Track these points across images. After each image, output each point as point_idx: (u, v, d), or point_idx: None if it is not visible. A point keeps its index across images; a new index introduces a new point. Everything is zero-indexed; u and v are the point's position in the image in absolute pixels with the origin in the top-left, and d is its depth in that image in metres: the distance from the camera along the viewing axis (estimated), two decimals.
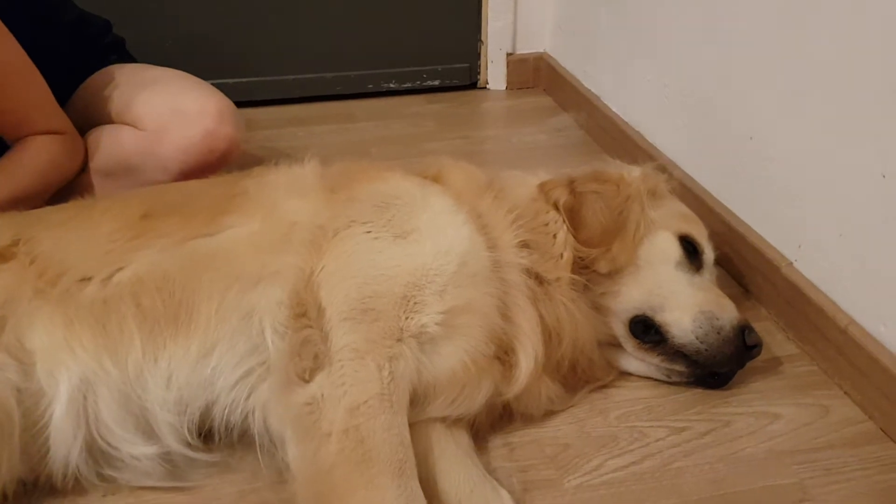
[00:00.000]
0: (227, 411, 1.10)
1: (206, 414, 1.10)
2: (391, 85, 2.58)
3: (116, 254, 1.15)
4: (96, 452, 1.08)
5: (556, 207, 1.30)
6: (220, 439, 1.11)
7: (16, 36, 1.43)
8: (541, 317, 1.19)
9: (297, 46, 2.46)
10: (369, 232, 1.16)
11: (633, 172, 1.36)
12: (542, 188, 1.33)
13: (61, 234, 1.19)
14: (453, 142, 2.27)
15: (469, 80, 2.63)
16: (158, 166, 1.58)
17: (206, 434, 1.12)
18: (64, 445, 1.06)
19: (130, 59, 1.83)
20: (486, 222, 1.22)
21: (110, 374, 1.08)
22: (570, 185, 1.32)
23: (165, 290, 1.12)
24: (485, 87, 2.63)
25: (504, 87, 2.62)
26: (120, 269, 1.14)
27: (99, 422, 1.07)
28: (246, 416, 1.10)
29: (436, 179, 1.31)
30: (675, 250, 1.29)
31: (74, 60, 1.71)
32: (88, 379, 1.07)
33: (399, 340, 1.07)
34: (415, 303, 1.09)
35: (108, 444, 1.07)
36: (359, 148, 2.21)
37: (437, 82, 2.60)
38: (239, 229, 1.19)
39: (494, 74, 2.61)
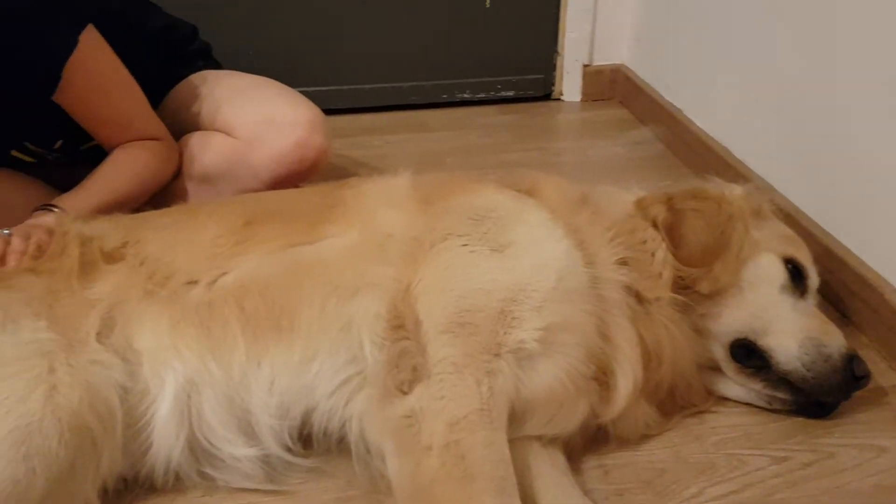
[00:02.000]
0: (325, 418, 1.10)
1: (305, 419, 1.11)
2: (465, 95, 2.58)
3: (221, 258, 1.17)
4: (198, 451, 1.10)
5: (654, 224, 1.27)
6: (317, 445, 1.12)
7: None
8: (640, 337, 1.17)
9: (373, 56, 2.48)
10: (466, 245, 1.16)
11: (735, 191, 1.33)
12: (640, 204, 1.31)
13: (168, 238, 1.21)
14: (528, 153, 2.26)
15: (543, 92, 2.61)
16: (250, 174, 1.60)
17: (304, 439, 1.12)
18: (166, 443, 1.08)
19: (216, 65, 1.86)
20: (583, 238, 1.21)
21: (215, 376, 1.09)
22: (669, 201, 1.29)
23: (268, 296, 1.13)
24: (559, 99, 2.61)
25: (579, 99, 2.59)
26: (224, 273, 1.16)
27: (202, 422, 1.09)
28: (343, 424, 1.10)
29: (529, 193, 1.30)
30: (779, 273, 1.25)
31: (163, 66, 1.74)
32: (193, 380, 1.09)
33: (497, 356, 1.06)
34: (512, 318, 1.08)
35: (210, 443, 1.09)
36: (434, 158, 2.21)
37: (511, 93, 2.59)
38: (337, 239, 1.20)
39: (570, 86, 2.59)
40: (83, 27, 1.40)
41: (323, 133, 1.64)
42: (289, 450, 1.11)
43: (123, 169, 1.51)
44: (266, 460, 1.11)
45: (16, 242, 1.19)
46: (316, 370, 1.10)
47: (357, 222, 1.21)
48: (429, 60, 2.52)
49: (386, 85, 2.51)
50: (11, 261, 1.17)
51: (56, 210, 1.38)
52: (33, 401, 0.99)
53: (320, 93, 2.43)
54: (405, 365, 1.07)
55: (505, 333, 1.07)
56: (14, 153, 1.59)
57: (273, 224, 1.22)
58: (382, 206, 1.24)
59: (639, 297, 1.20)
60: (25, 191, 1.58)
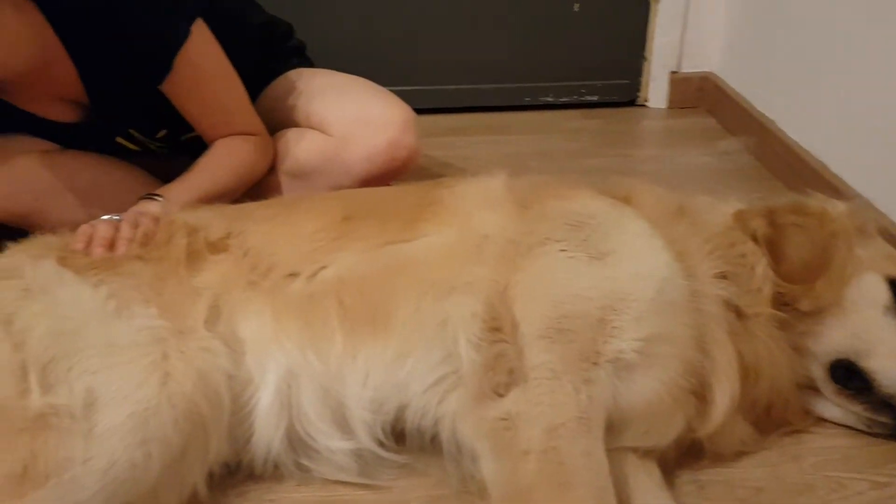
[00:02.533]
0: (418, 415, 1.11)
1: (398, 415, 1.13)
2: (548, 98, 2.58)
3: (320, 252, 1.20)
4: (296, 442, 1.12)
5: (753, 238, 1.25)
6: (410, 442, 1.13)
7: None
8: (738, 353, 1.14)
9: (457, 57, 2.49)
10: (564, 251, 1.15)
11: (838, 207, 1.29)
12: (739, 217, 1.28)
13: (269, 230, 1.24)
14: (613, 159, 2.24)
15: (628, 97, 2.59)
16: (342, 171, 1.62)
17: (397, 435, 1.14)
18: (267, 432, 1.11)
19: (309, 63, 1.90)
20: (682, 249, 1.19)
21: (313, 367, 1.12)
22: (770, 215, 1.26)
23: (365, 292, 1.15)
24: (644, 105, 2.59)
25: (665, 106, 2.56)
26: (323, 267, 1.18)
27: (301, 412, 1.11)
28: (436, 423, 1.11)
29: (625, 200, 1.28)
30: (884, 294, 1.21)
31: (261, 63, 1.78)
32: (294, 370, 1.12)
33: (595, 364, 1.05)
34: (612, 327, 1.07)
35: (308, 434, 1.12)
36: (516, 161, 2.21)
37: (595, 98, 2.57)
38: (433, 238, 1.21)
39: (655, 92, 2.56)
40: (194, 20, 1.45)
41: (414, 133, 1.66)
42: (382, 445, 1.12)
43: (223, 162, 1.56)
44: (359, 454, 1.13)
45: (124, 229, 1.24)
46: (410, 367, 1.11)
47: (453, 222, 1.22)
48: (513, 63, 2.52)
49: (469, 87, 2.53)
50: (121, 247, 1.21)
51: (160, 199, 1.43)
52: (149, 387, 1.02)
53: (404, 92, 2.44)
54: (501, 367, 1.07)
55: (604, 342, 1.06)
56: (119, 140, 1.65)
57: (371, 221, 1.24)
58: (478, 206, 1.25)
59: (738, 313, 1.18)
60: (129, 178, 1.64)
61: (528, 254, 1.15)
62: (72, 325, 1.06)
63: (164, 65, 1.43)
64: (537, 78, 2.55)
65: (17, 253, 1.18)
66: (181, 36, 1.42)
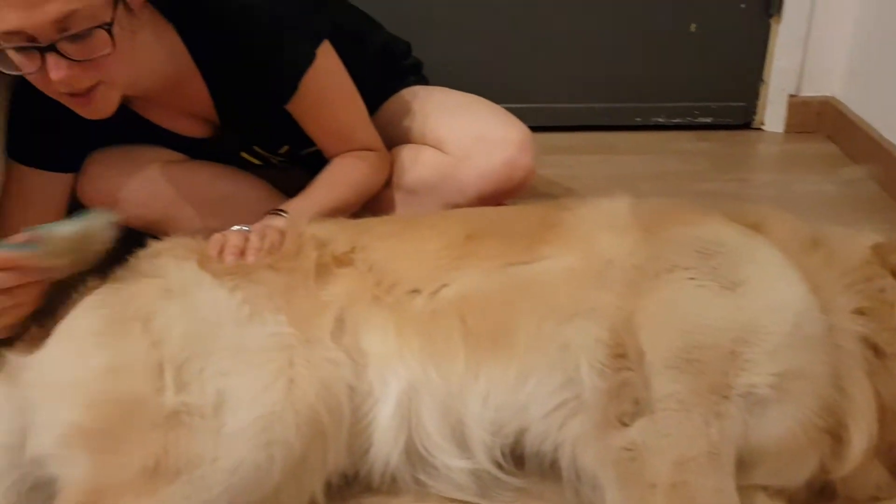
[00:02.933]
0: (538, 440, 1.11)
1: (518, 438, 1.12)
2: (659, 119, 2.53)
3: (443, 270, 1.21)
4: (414, 457, 1.13)
5: (893, 273, 1.19)
6: (529, 465, 1.13)
7: None
8: (876, 392, 1.09)
9: (567, 75, 2.48)
10: (693, 279, 1.13)
11: None
12: (878, 250, 1.22)
13: (392, 246, 1.26)
14: (728, 184, 2.18)
15: (743, 120, 2.51)
16: (457, 189, 1.64)
17: (516, 458, 1.13)
18: (386, 445, 1.12)
19: (426, 81, 1.92)
20: (817, 282, 1.14)
21: (434, 384, 1.13)
22: None
23: (487, 311, 1.16)
24: (760, 129, 2.51)
25: (782, 130, 2.48)
26: (446, 285, 1.19)
27: (420, 427, 1.12)
28: (556, 448, 1.10)
29: (755, 228, 1.24)
30: None
31: (379, 81, 1.81)
32: (415, 385, 1.13)
33: (726, 398, 1.02)
34: (744, 360, 1.04)
35: (427, 450, 1.12)
36: (627, 182, 2.17)
37: (708, 119, 2.51)
38: (555, 260, 1.20)
39: (772, 116, 2.48)
40: (320, 43, 1.49)
41: (531, 154, 1.66)
42: (500, 467, 1.12)
43: (344, 178, 1.59)
44: (477, 474, 1.12)
45: (254, 239, 1.28)
46: (530, 389, 1.11)
47: (576, 245, 1.21)
48: (623, 82, 2.49)
49: (579, 105, 2.51)
50: (250, 256, 1.25)
51: (285, 215, 1.47)
52: (276, 391, 1.05)
53: (513, 109, 2.46)
54: (626, 396, 1.05)
55: (735, 375, 1.03)
56: (243, 155, 1.71)
57: (493, 241, 1.24)
58: (602, 230, 1.23)
59: (876, 350, 1.12)
60: (254, 189, 1.69)
61: (654, 280, 1.13)
62: (207, 327, 1.10)
63: (290, 86, 1.48)
64: (649, 98, 2.51)
65: (160, 253, 1.23)
66: (307, 59, 1.47)
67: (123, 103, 1.41)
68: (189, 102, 1.53)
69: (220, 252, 1.24)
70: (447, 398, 1.12)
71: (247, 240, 1.28)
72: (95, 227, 1.15)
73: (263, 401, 1.04)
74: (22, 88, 1.44)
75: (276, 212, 1.48)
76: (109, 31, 1.20)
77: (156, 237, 1.41)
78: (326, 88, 1.54)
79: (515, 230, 1.27)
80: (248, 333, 1.11)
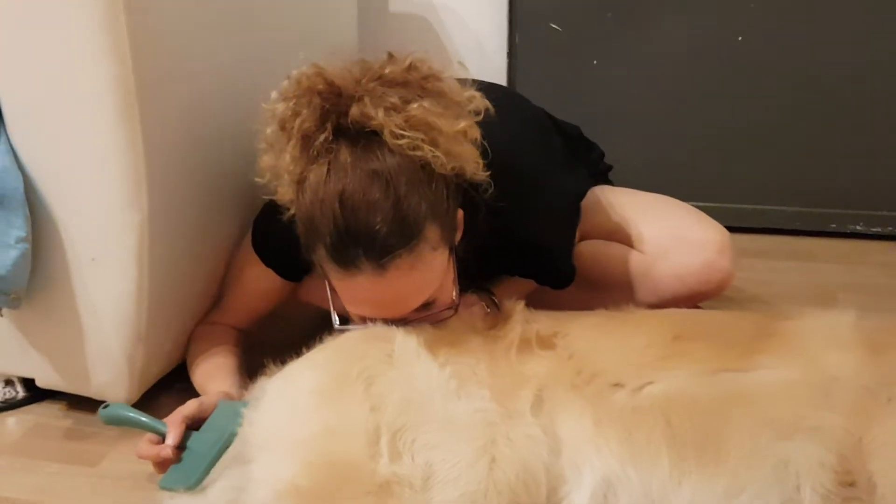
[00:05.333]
0: None
1: None
2: (857, 227, 2.39)
3: (648, 368, 1.19)
4: None
5: None
6: None
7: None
8: None
9: (759, 177, 2.41)
10: None
11: None
12: None
13: (595, 337, 1.26)
14: None
15: None
16: (649, 288, 1.61)
17: None
18: None
19: (608, 180, 1.93)
20: None
21: (633, 483, 1.09)
22: None
23: (695, 416, 1.12)
24: None
25: None
26: (651, 382, 1.17)
27: None
28: None
29: None
30: None
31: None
32: (611, 480, 1.10)
33: None
34: None
35: None
36: (822, 292, 2.05)
37: None
38: (773, 372, 1.15)
39: None
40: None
41: (730, 256, 1.61)
42: None
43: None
44: None
45: (471, 297, 1.33)
46: None
47: (796, 358, 1.16)
48: (819, 187, 2.38)
49: (771, 207, 2.43)
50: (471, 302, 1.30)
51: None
52: (479, 469, 1.07)
53: (702, 209, 2.43)
54: None
55: None
56: None
57: (703, 344, 1.21)
58: (825, 345, 1.17)
59: None
60: None
61: (886, 406, 1.07)
62: (420, 398, 1.14)
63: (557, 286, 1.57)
64: (847, 205, 2.39)
65: None
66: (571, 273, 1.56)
67: None
68: None
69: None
70: (645, 500, 1.08)
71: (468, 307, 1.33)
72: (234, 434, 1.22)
73: (469, 478, 1.06)
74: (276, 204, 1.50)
75: (480, 289, 1.50)
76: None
77: None
78: None
79: (727, 336, 1.23)
80: (455, 407, 1.13)
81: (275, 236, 1.44)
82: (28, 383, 1.57)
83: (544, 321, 1.29)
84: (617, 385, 1.18)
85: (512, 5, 2.38)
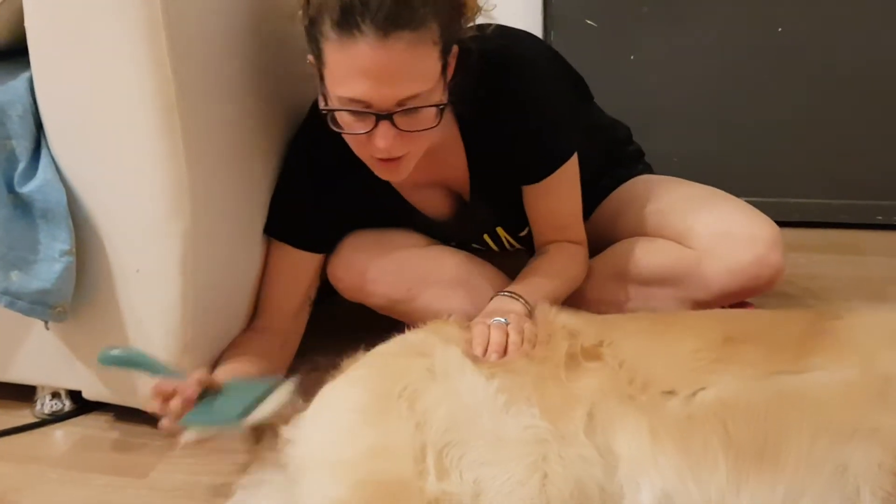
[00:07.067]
0: None
1: None
2: None
3: (700, 373, 1.16)
4: None
5: None
6: None
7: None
8: None
9: (802, 170, 2.36)
10: None
11: None
12: None
13: (642, 343, 1.23)
14: None
15: None
16: (700, 284, 1.58)
17: None
18: None
19: (650, 168, 1.89)
20: None
21: (691, 494, 1.07)
22: None
23: (751, 421, 1.09)
24: None
25: None
26: (703, 388, 1.14)
27: None
28: None
29: None
30: None
31: (604, 167, 1.80)
32: (669, 494, 1.08)
33: None
34: None
35: None
36: (870, 286, 2.01)
37: None
38: (828, 373, 1.12)
39: None
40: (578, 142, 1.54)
41: (781, 252, 1.58)
42: None
43: (562, 270, 1.59)
44: None
45: (514, 337, 1.28)
46: None
47: (850, 357, 1.13)
48: (865, 179, 2.33)
49: (815, 201, 2.38)
50: (512, 353, 1.25)
51: (519, 300, 1.47)
52: (531, 487, 1.04)
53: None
54: None
55: None
56: (485, 237, 1.74)
57: (754, 346, 1.18)
58: (881, 344, 1.14)
59: None
60: (489, 274, 1.71)
61: None
62: (467, 413, 1.12)
63: (540, 174, 1.52)
64: (893, 195, 2.33)
65: (429, 333, 1.28)
66: (568, 152, 1.52)
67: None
68: (444, 170, 1.59)
69: (484, 350, 1.25)
70: None
71: (507, 335, 1.29)
72: (284, 403, 1.22)
73: (520, 495, 1.04)
74: (288, 174, 1.58)
75: (511, 294, 1.49)
76: (441, 112, 1.33)
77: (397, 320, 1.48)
78: (567, 181, 1.57)
79: (778, 336, 1.20)
80: (504, 423, 1.11)
81: (283, 207, 1.55)
82: (75, 395, 1.59)
83: (586, 329, 1.26)
84: (670, 392, 1.15)
85: (546, 2, 2.37)
